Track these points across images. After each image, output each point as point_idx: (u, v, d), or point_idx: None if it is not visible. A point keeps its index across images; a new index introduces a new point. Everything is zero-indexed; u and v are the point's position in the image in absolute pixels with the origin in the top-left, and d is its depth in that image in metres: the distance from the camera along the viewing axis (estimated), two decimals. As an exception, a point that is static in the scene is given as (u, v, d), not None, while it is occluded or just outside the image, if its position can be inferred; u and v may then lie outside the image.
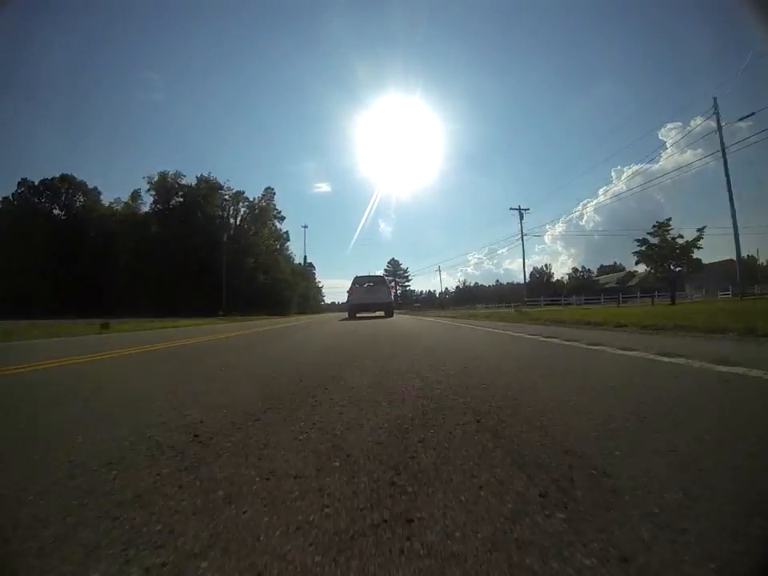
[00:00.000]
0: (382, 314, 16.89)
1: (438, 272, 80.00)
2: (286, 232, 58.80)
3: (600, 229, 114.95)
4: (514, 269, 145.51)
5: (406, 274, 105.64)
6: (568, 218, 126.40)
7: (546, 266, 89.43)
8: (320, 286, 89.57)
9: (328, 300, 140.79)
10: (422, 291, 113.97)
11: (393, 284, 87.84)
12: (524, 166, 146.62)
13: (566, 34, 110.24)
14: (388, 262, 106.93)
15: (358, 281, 17.17)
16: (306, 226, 73.21)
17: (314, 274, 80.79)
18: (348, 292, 16.96)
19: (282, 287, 50.33)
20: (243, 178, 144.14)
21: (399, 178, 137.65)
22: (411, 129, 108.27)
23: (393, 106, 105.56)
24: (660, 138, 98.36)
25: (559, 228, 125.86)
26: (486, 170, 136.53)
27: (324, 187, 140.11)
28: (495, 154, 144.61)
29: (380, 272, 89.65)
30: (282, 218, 56.56)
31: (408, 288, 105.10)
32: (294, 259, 62.41)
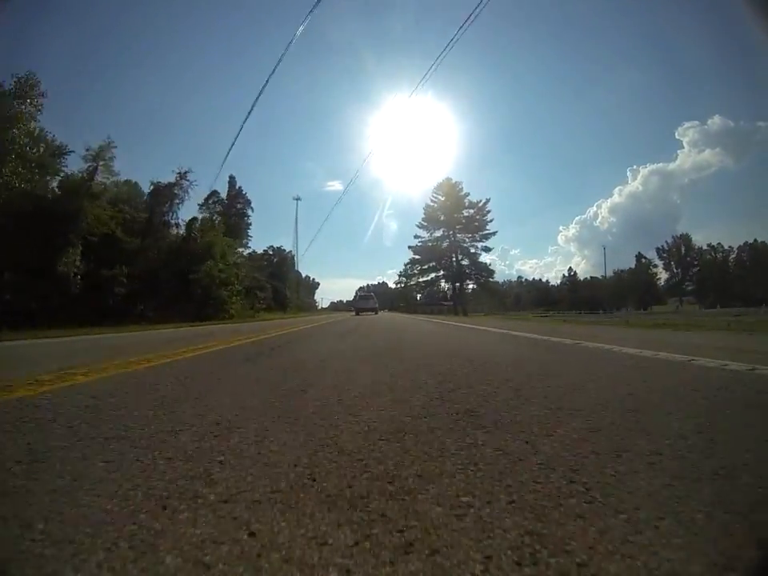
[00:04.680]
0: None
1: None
2: None
3: (614, 230, 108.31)
4: (526, 270, 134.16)
5: (483, 218, 47.71)
6: (582, 219, 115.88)
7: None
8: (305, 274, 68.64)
9: (335, 298, 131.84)
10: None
11: (453, 249, 49.31)
12: (537, 165, 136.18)
13: (582, 24, 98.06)
14: (434, 190, 50.49)
15: (359, 294, 34.15)
16: (298, 198, 55.35)
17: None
18: (353, 299, 34.35)
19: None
20: (254, 175, 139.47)
21: (411, 176, 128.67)
22: (423, 128, 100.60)
23: (405, 104, 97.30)
24: (677, 137, 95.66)
25: (573, 229, 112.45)
26: (496, 168, 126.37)
27: (336, 185, 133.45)
28: (507, 153, 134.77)
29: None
30: None
31: (482, 251, 49.33)
32: None
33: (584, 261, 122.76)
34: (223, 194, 38.41)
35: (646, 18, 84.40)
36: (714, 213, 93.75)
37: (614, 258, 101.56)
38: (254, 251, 52.00)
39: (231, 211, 36.92)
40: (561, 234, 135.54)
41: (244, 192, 39.27)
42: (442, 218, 48.60)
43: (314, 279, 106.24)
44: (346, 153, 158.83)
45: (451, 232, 48.73)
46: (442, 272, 51.22)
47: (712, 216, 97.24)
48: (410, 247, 52.39)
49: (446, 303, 63.89)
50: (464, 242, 49.21)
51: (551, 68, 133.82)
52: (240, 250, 41.22)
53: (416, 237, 51.49)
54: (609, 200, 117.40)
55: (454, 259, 49.51)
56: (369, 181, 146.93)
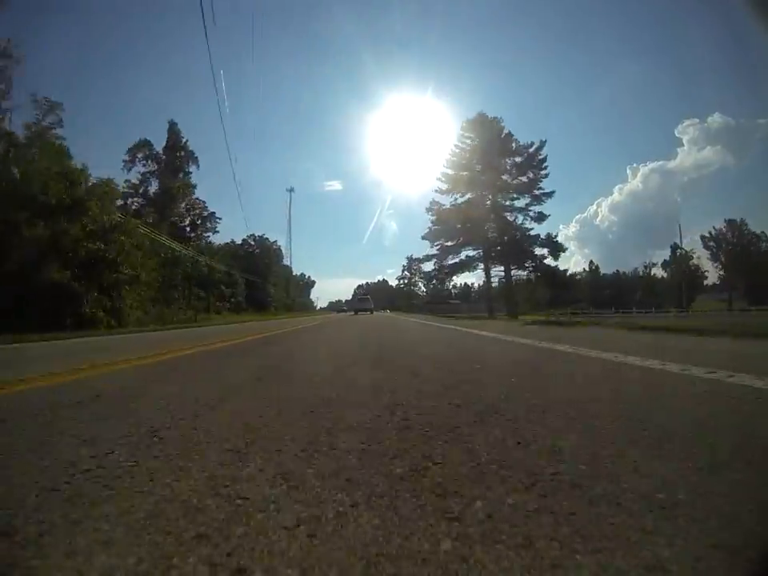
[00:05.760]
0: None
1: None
2: None
3: (615, 229, 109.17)
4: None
5: (539, 171, 30.33)
6: (582, 218, 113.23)
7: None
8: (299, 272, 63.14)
9: (334, 297, 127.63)
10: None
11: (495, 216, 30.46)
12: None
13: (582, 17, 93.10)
14: (462, 130, 32.15)
15: (357, 296, 42.37)
16: (291, 189, 53.49)
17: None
18: (351, 300, 46.60)
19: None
20: (252, 173, 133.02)
21: (410, 176, 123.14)
22: (422, 127, 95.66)
23: (404, 104, 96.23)
24: (677, 135, 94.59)
25: (573, 228, 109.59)
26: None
27: (336, 185, 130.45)
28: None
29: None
30: None
31: (534, 220, 31.59)
32: None
33: (584, 260, 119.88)
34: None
35: (645, 16, 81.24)
36: (715, 211, 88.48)
37: (614, 257, 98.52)
38: (232, 240, 45.01)
39: (168, 168, 28.66)
40: (561, 232, 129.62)
41: (185, 140, 30.79)
42: (477, 169, 30.22)
43: (309, 277, 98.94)
44: (347, 152, 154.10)
45: (487, 191, 30.34)
46: (479, 250, 31.67)
47: (712, 214, 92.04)
48: (427, 210, 33.96)
49: (452, 302, 55.44)
50: (507, 206, 30.79)
51: (549, 65, 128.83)
52: (209, 234, 33.40)
53: (434, 203, 33.43)
54: (609, 198, 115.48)
55: (491, 231, 30.55)
56: (369, 180, 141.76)
